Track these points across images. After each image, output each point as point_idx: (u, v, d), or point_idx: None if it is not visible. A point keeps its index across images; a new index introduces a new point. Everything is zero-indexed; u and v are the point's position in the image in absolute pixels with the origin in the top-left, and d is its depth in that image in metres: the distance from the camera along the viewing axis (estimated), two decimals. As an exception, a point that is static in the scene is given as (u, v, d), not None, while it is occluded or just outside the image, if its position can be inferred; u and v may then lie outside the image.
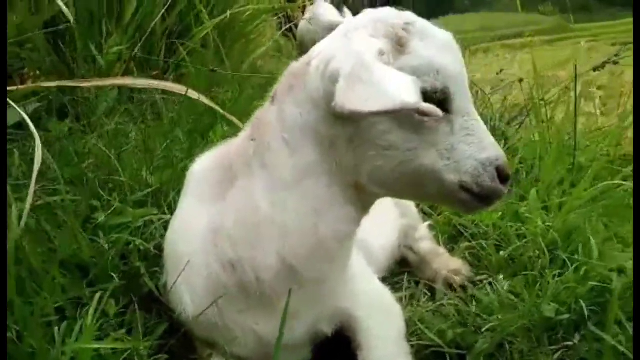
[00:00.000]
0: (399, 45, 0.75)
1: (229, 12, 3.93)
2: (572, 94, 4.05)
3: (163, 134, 1.97)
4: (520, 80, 2.15)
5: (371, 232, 1.19)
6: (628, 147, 1.90)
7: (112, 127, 1.85)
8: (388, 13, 0.80)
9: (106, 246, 1.04)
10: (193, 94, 1.35)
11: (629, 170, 1.56)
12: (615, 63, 1.98)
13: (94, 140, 1.59)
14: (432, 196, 0.85)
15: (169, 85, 1.34)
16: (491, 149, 0.78)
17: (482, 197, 0.78)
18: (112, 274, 0.97)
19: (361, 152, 0.76)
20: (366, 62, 0.70)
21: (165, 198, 1.31)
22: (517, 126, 2.05)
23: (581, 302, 0.94)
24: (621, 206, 1.34)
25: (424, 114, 0.68)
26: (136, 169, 1.39)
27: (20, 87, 1.35)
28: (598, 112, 3.83)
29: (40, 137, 1.66)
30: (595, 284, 0.95)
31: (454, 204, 0.83)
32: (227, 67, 3.14)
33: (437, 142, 0.75)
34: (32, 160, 1.34)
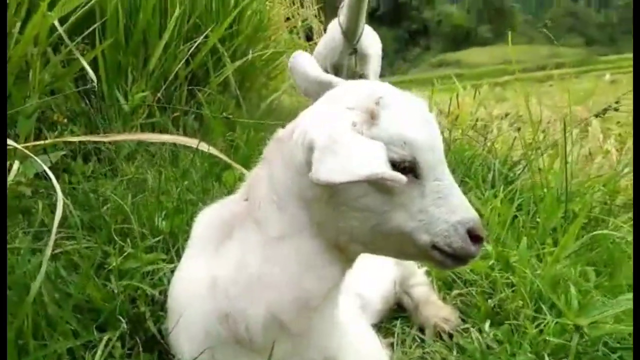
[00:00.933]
0: (372, 117, 0.82)
1: (250, 55, 4.12)
2: (587, 132, 4.03)
3: (178, 178, 2.10)
4: (518, 129, 2.20)
5: (367, 282, 1.27)
6: (626, 194, 1.94)
7: (131, 171, 1.99)
8: (365, 86, 0.89)
9: (116, 291, 1.13)
10: (203, 147, 1.46)
11: (622, 219, 1.60)
12: (616, 110, 2.02)
13: (113, 186, 1.72)
14: (409, 254, 0.90)
15: (181, 139, 1.46)
16: (462, 212, 0.83)
17: (454, 257, 0.84)
18: (121, 317, 1.06)
19: (341, 214, 0.83)
20: (338, 135, 0.77)
21: (175, 243, 1.41)
22: (519, 170, 2.10)
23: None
24: (610, 256, 1.37)
25: (389, 180, 0.75)
26: (149, 215, 1.50)
27: (47, 142, 1.48)
28: (613, 149, 3.83)
29: (64, 181, 1.81)
30: (557, 341, 0.99)
31: (430, 261, 0.88)
32: (244, 110, 3.29)
33: (409, 205, 0.82)
34: (54, 208, 1.47)
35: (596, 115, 2.10)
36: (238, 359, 0.90)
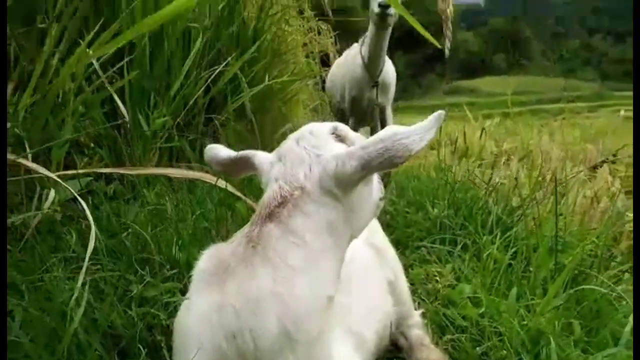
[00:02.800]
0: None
1: (266, 82, 4.28)
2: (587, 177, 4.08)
3: (195, 204, 2.23)
4: (515, 182, 2.31)
5: (364, 321, 1.36)
6: (622, 244, 2.02)
7: (151, 198, 2.12)
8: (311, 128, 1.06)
9: (136, 319, 1.25)
10: (221, 184, 1.58)
11: (611, 272, 1.69)
12: (613, 162, 2.13)
13: (135, 213, 1.85)
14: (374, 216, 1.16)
15: (200, 175, 1.58)
16: None
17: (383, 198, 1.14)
18: (140, 346, 1.17)
19: (358, 216, 1.01)
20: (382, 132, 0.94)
21: (189, 273, 1.53)
22: (517, 217, 2.20)
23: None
24: (596, 310, 1.46)
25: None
26: (167, 244, 1.62)
27: (80, 171, 1.62)
28: (617, 189, 3.89)
29: (87, 202, 1.94)
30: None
31: (376, 213, 1.15)
32: (258, 138, 3.42)
33: (372, 181, 1.07)
34: (82, 232, 1.60)
35: (593, 167, 2.19)
36: None
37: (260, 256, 0.92)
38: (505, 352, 1.29)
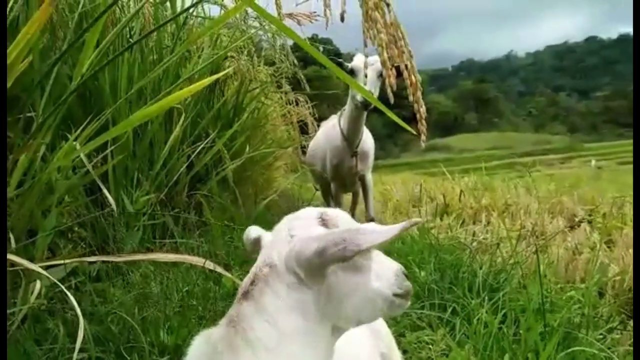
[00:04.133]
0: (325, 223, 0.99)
1: (247, 154, 4.37)
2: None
3: (180, 279, 2.20)
4: (498, 238, 2.36)
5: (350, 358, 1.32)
6: (616, 299, 2.05)
7: (137, 279, 2.10)
8: (300, 214, 1.03)
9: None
10: (209, 265, 1.59)
11: (600, 331, 1.71)
12: (589, 222, 2.20)
13: (120, 297, 1.83)
14: (382, 312, 1.01)
15: (189, 258, 1.58)
16: (394, 263, 1.01)
17: (404, 296, 0.99)
18: None
19: (343, 305, 0.93)
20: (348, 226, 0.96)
21: (179, 357, 1.50)
22: (503, 279, 2.23)
23: None
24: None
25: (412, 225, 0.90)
26: (155, 329, 1.59)
27: (66, 261, 1.61)
28: (599, 246, 3.96)
29: (71, 285, 1.91)
30: None
31: (392, 310, 1.00)
32: (241, 208, 3.46)
33: (369, 272, 0.95)
34: (67, 322, 1.57)
35: (571, 227, 2.26)
36: None
37: (240, 337, 0.90)
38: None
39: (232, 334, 0.91)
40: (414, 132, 1.34)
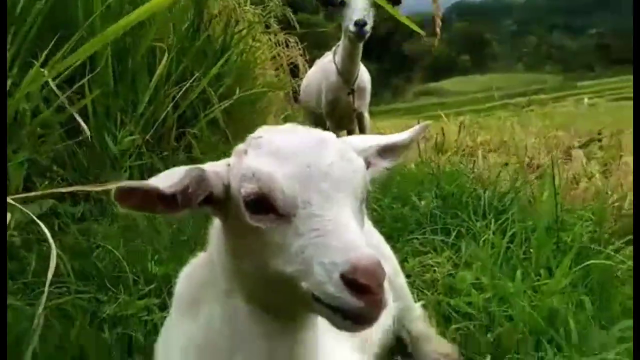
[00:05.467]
0: (240, 157, 0.80)
1: (236, 95, 4.18)
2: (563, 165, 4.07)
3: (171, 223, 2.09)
4: (506, 164, 2.26)
5: None
6: (616, 223, 1.96)
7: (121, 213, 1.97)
8: (256, 132, 0.86)
9: (110, 341, 1.11)
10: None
11: (613, 247, 1.62)
12: (599, 140, 2.10)
13: (105, 230, 1.71)
14: (305, 307, 0.76)
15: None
16: (338, 252, 0.67)
17: (344, 312, 0.68)
18: (116, 369, 1.03)
19: (239, 253, 0.81)
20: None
21: (169, 287, 1.39)
22: (509, 201, 2.13)
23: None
24: (603, 285, 1.38)
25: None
26: (142, 260, 1.49)
27: (37, 193, 1.48)
28: (597, 174, 3.89)
29: (52, 226, 1.79)
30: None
31: (325, 317, 0.73)
32: (232, 145, 3.30)
33: (284, 246, 0.73)
34: (46, 255, 1.45)
35: (580, 147, 2.14)
36: None
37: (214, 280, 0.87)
38: (521, 335, 1.18)
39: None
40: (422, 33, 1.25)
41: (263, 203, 0.74)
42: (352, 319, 0.68)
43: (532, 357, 1.12)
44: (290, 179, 0.74)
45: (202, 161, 0.95)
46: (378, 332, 1.29)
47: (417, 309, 1.47)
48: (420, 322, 1.44)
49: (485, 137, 6.76)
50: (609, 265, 1.45)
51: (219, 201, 0.80)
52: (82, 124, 1.75)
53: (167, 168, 2.45)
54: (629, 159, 4.27)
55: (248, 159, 0.78)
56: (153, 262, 1.49)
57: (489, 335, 1.28)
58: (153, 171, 2.94)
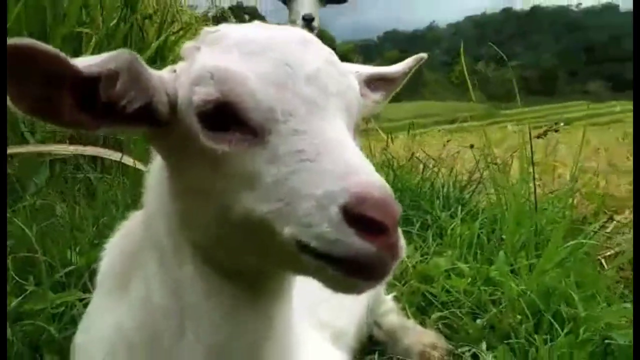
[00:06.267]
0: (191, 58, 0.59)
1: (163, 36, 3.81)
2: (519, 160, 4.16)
3: (97, 215, 1.78)
4: (472, 146, 2.19)
5: (336, 313, 1.04)
6: (581, 209, 1.91)
7: (36, 202, 1.66)
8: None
9: (12, 338, 0.84)
10: (128, 161, 1.22)
11: (590, 228, 1.54)
12: (556, 131, 2.07)
13: (12, 212, 1.40)
14: (284, 264, 0.57)
15: (102, 151, 1.21)
16: (333, 178, 0.48)
17: (348, 263, 0.47)
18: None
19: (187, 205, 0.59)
20: None
21: (92, 277, 1.13)
22: (471, 192, 2.03)
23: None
24: (590, 264, 1.28)
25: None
26: (60, 248, 1.20)
27: None
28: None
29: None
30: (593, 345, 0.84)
31: (313, 276, 0.52)
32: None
33: (254, 177, 0.52)
34: None
35: (538, 136, 2.09)
36: None
37: (150, 242, 0.67)
38: (519, 316, 1.03)
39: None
40: None
41: (225, 115, 0.52)
42: (359, 273, 0.47)
43: (537, 339, 0.96)
44: (263, 80, 0.52)
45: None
46: (353, 323, 1.10)
47: (387, 301, 1.30)
48: (392, 315, 1.26)
49: (421, 153, 6.85)
50: (591, 246, 1.35)
51: (160, 121, 0.56)
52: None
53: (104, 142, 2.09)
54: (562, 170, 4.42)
55: (202, 57, 0.56)
56: (74, 253, 1.20)
57: (478, 321, 1.12)
58: (76, 168, 2.61)
